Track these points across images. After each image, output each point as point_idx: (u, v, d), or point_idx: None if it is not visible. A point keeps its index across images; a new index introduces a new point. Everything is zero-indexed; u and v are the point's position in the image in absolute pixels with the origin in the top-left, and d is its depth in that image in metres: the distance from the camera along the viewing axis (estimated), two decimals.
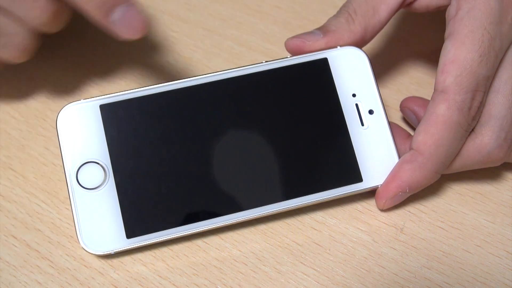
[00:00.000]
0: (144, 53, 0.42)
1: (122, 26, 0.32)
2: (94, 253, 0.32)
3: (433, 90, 0.33)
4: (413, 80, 0.41)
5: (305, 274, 0.33)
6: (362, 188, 0.34)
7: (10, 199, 0.36)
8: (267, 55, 0.42)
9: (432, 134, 0.32)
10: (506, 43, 0.32)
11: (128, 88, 0.34)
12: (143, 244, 0.32)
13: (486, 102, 0.33)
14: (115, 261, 0.34)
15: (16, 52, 0.34)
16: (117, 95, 0.34)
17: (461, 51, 0.32)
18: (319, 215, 0.35)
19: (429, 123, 0.32)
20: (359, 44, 0.35)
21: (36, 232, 0.35)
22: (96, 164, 0.33)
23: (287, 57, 0.35)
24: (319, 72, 0.35)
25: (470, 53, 0.32)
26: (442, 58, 0.33)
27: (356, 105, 0.35)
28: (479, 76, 0.32)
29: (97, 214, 0.32)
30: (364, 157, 0.34)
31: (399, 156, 0.34)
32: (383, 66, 0.41)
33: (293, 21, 0.44)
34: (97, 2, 0.31)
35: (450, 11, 0.33)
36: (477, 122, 0.33)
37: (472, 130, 0.33)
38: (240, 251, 0.34)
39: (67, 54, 0.42)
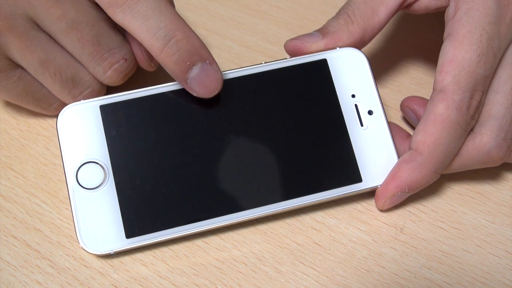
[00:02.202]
0: None
1: (195, 83, 0.32)
2: (93, 253, 0.32)
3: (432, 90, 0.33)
4: (413, 80, 0.41)
5: (305, 274, 0.33)
6: (361, 188, 0.34)
7: (10, 199, 0.36)
8: (267, 55, 0.42)
9: (431, 134, 0.32)
10: (505, 43, 0.32)
11: (128, 89, 0.34)
12: (142, 244, 0.32)
13: (485, 102, 0.33)
14: (115, 261, 0.34)
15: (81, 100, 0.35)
16: (117, 96, 0.34)
17: (459, 51, 0.32)
18: (319, 215, 0.35)
19: (428, 123, 0.32)
20: (358, 45, 0.35)
21: (36, 232, 0.35)
22: (96, 164, 0.33)
23: (286, 58, 0.35)
24: (319, 73, 0.35)
25: (468, 53, 0.32)
26: (441, 58, 0.33)
27: (356, 105, 0.35)
28: (477, 76, 0.32)
29: (96, 214, 0.32)
30: (363, 158, 0.34)
31: (399, 156, 0.34)
32: (383, 66, 0.41)
33: (293, 21, 0.44)
34: (176, 59, 0.32)
35: (449, 12, 0.33)
36: (477, 121, 0.33)
37: (472, 129, 0.33)
38: (240, 251, 0.34)
39: None
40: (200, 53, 0.32)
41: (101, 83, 0.36)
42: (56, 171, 0.37)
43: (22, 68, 0.34)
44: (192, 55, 0.32)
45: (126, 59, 0.34)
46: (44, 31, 0.33)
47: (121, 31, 0.35)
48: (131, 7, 0.31)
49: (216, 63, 0.33)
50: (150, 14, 0.31)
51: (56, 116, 0.34)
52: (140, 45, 0.34)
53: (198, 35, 0.33)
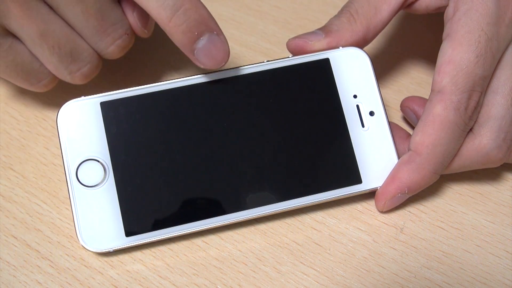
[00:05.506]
0: (144, 52, 0.43)
1: (203, 54, 0.32)
2: (92, 250, 0.32)
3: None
4: (413, 80, 0.41)
5: (305, 274, 0.33)
6: (361, 190, 0.34)
7: (10, 199, 0.36)
8: (267, 55, 0.42)
9: (429, 135, 0.32)
10: (504, 44, 0.32)
11: (129, 86, 0.34)
12: (142, 242, 0.32)
13: (484, 103, 0.33)
14: (115, 260, 0.34)
15: (80, 77, 0.35)
16: (118, 93, 0.34)
17: (457, 51, 0.32)
18: (319, 215, 0.35)
19: (426, 123, 0.32)
20: (361, 44, 0.35)
21: (36, 232, 0.35)
22: (96, 161, 0.33)
23: (289, 57, 0.35)
24: (321, 73, 0.35)
25: (466, 54, 0.32)
26: (439, 58, 0.33)
27: (357, 106, 0.35)
28: (475, 76, 0.32)
29: (96, 212, 0.32)
30: (364, 159, 0.34)
31: (399, 158, 0.34)
32: (383, 66, 0.41)
33: (293, 21, 0.44)
34: (184, 29, 0.31)
35: (448, 12, 0.33)
36: (476, 122, 0.33)
37: (471, 130, 0.33)
38: (240, 251, 0.34)
39: None
40: (208, 24, 0.32)
41: (100, 58, 0.35)
42: (56, 171, 0.37)
43: (14, 37, 0.33)
44: (200, 25, 0.31)
45: (127, 34, 0.34)
46: (45, 2, 0.32)
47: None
48: None
49: (224, 35, 0.32)
50: None
51: (57, 112, 0.33)
52: (134, 10, 0.33)
53: None
